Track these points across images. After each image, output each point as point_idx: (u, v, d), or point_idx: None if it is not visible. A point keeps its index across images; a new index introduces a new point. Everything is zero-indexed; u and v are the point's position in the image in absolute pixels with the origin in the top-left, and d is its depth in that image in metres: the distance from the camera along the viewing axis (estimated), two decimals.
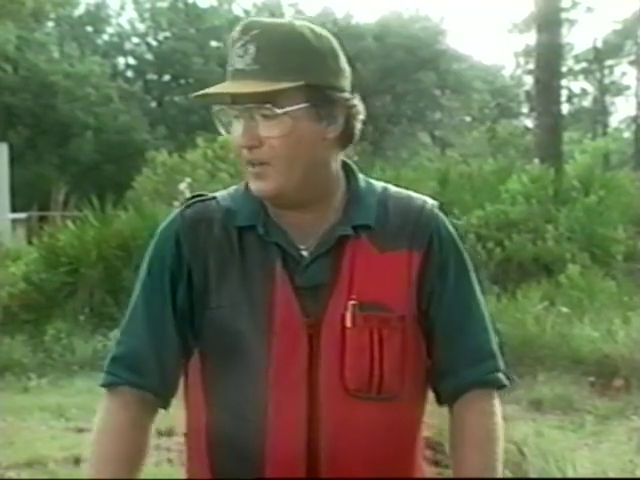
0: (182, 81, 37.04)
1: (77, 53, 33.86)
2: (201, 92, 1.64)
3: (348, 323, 1.62)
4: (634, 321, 8.10)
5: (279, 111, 1.59)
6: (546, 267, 9.98)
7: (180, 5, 37.63)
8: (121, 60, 38.33)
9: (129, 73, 38.11)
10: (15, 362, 8.47)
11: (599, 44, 34.82)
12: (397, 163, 14.72)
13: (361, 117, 1.70)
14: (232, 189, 1.77)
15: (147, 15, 38.42)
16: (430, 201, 1.76)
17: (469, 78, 34.73)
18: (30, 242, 12.36)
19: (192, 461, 1.75)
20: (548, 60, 15.40)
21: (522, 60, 35.15)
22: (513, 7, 65.51)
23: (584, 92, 37.57)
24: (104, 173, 28.49)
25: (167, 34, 37.66)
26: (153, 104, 37.33)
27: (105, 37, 38.53)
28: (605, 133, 33.83)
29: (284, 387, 1.62)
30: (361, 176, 1.76)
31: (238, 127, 1.64)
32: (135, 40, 38.80)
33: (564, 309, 8.32)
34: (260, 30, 1.62)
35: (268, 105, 1.59)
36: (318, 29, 1.67)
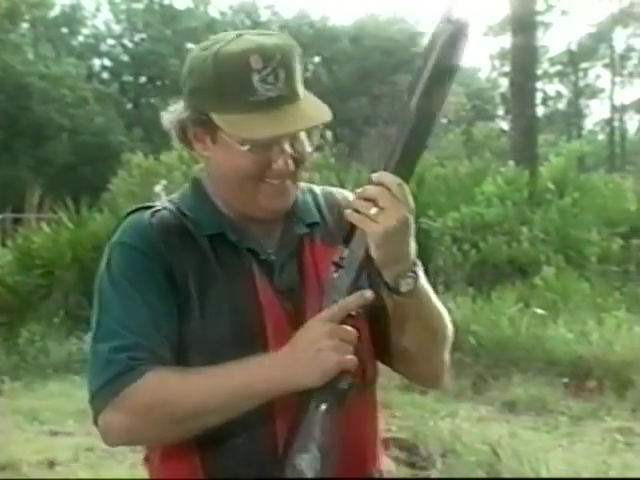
0: (158, 83, 36.96)
1: (52, 54, 33.69)
2: (272, 135, 1.62)
3: None
4: (608, 322, 8.15)
5: (321, 126, 1.68)
6: (521, 269, 10.03)
7: (156, 7, 37.54)
8: (97, 62, 38.20)
9: (105, 75, 37.97)
10: None
11: (574, 47, 35.04)
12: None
13: None
14: (178, 198, 1.76)
15: (123, 17, 38.31)
16: (347, 192, 1.84)
17: None
18: (4, 244, 12.28)
19: (180, 462, 1.71)
20: (523, 63, 15.47)
21: (497, 63, 35.34)
22: (488, 10, 65.68)
23: (559, 95, 37.78)
24: (79, 175, 28.36)
25: (143, 36, 37.56)
26: (129, 106, 37.22)
27: (80, 38, 38.39)
28: (580, 135, 34.02)
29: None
30: None
31: (279, 151, 1.64)
32: (111, 42, 38.68)
33: (539, 311, 8.37)
34: (282, 54, 1.63)
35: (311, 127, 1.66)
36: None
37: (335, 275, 1.59)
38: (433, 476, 5.13)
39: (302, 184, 1.80)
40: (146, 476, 1.79)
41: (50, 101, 31.20)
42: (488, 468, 5.10)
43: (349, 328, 1.54)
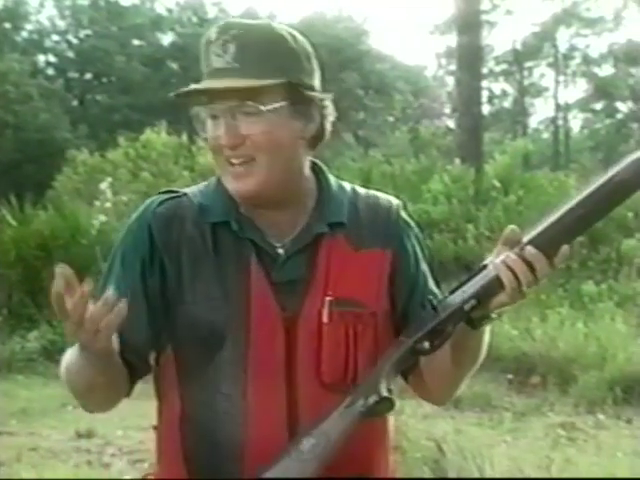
0: (104, 79, 36.59)
1: None
2: (183, 90, 1.65)
3: (325, 319, 1.66)
4: (551, 319, 8.26)
5: (263, 108, 1.62)
6: (467, 266, 10.08)
7: (101, 3, 37.14)
8: (41, 58, 37.68)
9: (50, 71, 37.49)
10: None
11: (518, 46, 35.31)
12: (321, 162, 14.71)
13: (331, 118, 1.75)
14: (202, 185, 1.79)
15: (67, 12, 37.85)
16: (395, 201, 1.83)
17: (392, 78, 34.96)
18: None
19: (164, 454, 1.75)
20: (469, 61, 15.59)
21: (444, 61, 35.51)
22: (434, 9, 66.10)
23: (504, 93, 38.05)
24: (24, 172, 27.99)
25: (88, 32, 37.13)
26: (74, 102, 36.80)
27: (24, 34, 37.84)
28: (525, 134, 34.31)
29: (261, 380, 1.64)
30: (331, 176, 1.80)
31: (216, 127, 1.65)
32: (55, 38, 38.19)
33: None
34: (240, 30, 1.64)
35: (250, 102, 1.62)
36: (294, 31, 1.71)
37: (428, 314, 1.63)
38: None
39: (346, 183, 1.81)
40: (89, 475, 1.79)
41: None
42: (433, 464, 5.13)
43: None
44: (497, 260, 1.58)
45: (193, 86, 1.65)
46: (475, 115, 15.74)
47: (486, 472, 5.00)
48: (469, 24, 15.65)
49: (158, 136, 15.84)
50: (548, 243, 1.56)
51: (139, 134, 16.44)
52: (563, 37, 35.09)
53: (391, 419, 1.78)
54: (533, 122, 39.15)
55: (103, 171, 15.05)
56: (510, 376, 7.60)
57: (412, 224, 1.83)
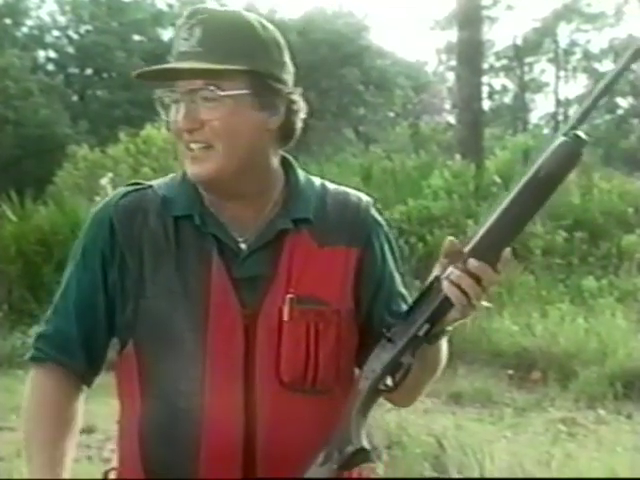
0: (104, 75, 36.56)
1: None
2: (143, 70, 1.64)
3: (285, 316, 1.63)
4: (552, 315, 8.26)
5: (221, 93, 1.60)
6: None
7: None
8: (41, 53, 37.63)
9: (50, 66, 37.45)
10: None
11: (519, 42, 35.26)
12: (322, 159, 14.69)
13: (302, 114, 1.72)
14: (169, 178, 1.77)
15: (68, 8, 37.80)
16: (365, 198, 1.79)
17: (392, 74, 34.90)
18: None
19: (123, 450, 1.75)
20: (469, 57, 15.54)
21: (444, 57, 35.48)
22: (435, 4, 65.98)
23: (505, 89, 38.00)
24: (24, 168, 27.98)
25: (89, 27, 37.08)
26: (75, 98, 36.76)
27: (25, 30, 37.80)
28: (525, 129, 34.24)
29: (220, 377, 1.62)
30: (300, 171, 1.77)
31: (177, 111, 1.64)
32: (56, 33, 38.14)
33: (484, 303, 8.42)
34: (207, 15, 1.63)
35: (211, 87, 1.60)
36: (265, 21, 1.68)
37: (384, 347, 1.60)
38: (379, 469, 5.16)
39: (316, 179, 1.79)
40: (89, 471, 1.80)
41: None
42: (433, 460, 5.14)
43: None
44: (443, 277, 1.56)
45: (154, 67, 1.64)
46: (475, 111, 15.69)
47: (486, 467, 5.00)
48: (470, 19, 15.60)
49: (159, 132, 15.80)
50: (489, 251, 1.54)
51: (140, 130, 16.42)
52: (564, 32, 35.03)
53: None
54: (534, 118, 39.08)
55: (104, 167, 15.02)
56: (511, 372, 7.60)
57: (382, 222, 1.79)
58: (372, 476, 1.81)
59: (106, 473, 1.78)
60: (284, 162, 1.76)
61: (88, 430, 5.94)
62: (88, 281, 1.70)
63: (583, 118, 1.52)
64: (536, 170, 1.50)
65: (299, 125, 1.72)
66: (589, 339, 7.86)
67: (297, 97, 1.70)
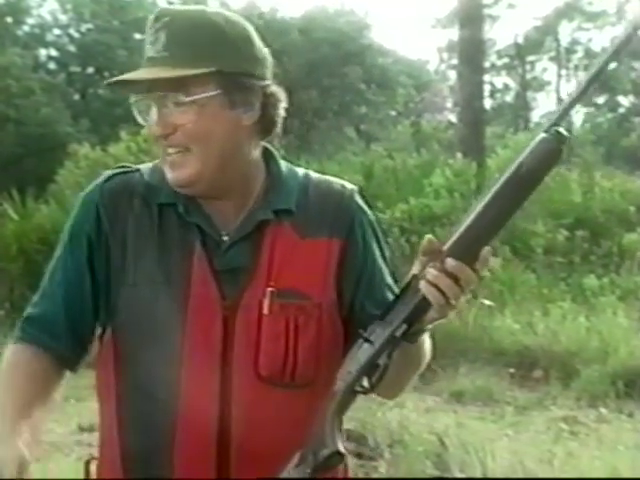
0: (106, 73, 36.46)
1: None
2: (112, 80, 1.64)
3: (265, 310, 1.63)
4: (553, 313, 8.25)
5: (187, 99, 1.59)
6: None
7: None
8: (43, 52, 37.59)
9: (51, 65, 37.42)
10: None
11: (520, 40, 35.25)
12: (323, 157, 14.69)
13: (282, 105, 1.70)
14: (155, 164, 1.76)
15: (69, 6, 37.78)
16: (349, 186, 1.77)
17: (394, 73, 34.85)
18: None
19: (102, 437, 1.76)
20: (471, 55, 15.53)
21: (446, 55, 35.46)
22: (436, 3, 65.97)
23: (506, 87, 37.98)
24: (25, 166, 27.98)
25: (90, 26, 37.05)
26: (76, 97, 36.74)
27: (26, 28, 37.79)
28: (527, 128, 34.23)
29: (197, 368, 1.62)
30: (282, 162, 1.76)
31: (152, 116, 1.64)
32: (57, 32, 38.10)
33: (486, 302, 8.44)
34: (170, 17, 1.61)
35: (179, 93, 1.59)
36: (233, 16, 1.66)
37: (360, 347, 1.57)
38: (381, 468, 5.16)
39: (299, 169, 1.76)
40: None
41: None
42: (435, 458, 5.14)
43: None
44: (420, 276, 1.53)
45: (121, 77, 1.64)
46: (477, 109, 15.69)
47: (488, 466, 5.00)
48: (471, 18, 15.60)
49: None
50: (468, 250, 1.51)
51: (141, 128, 16.27)
52: (565, 31, 35.02)
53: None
54: (535, 116, 39.00)
55: (105, 165, 14.97)
56: (512, 370, 7.59)
57: (366, 210, 1.76)
58: (349, 476, 1.79)
59: (87, 462, 1.78)
60: (265, 153, 1.74)
61: (90, 428, 5.94)
62: (75, 265, 1.69)
63: (564, 115, 1.50)
64: (517, 167, 1.48)
65: (280, 116, 1.70)
66: (591, 338, 7.86)
67: (273, 89, 1.68)
